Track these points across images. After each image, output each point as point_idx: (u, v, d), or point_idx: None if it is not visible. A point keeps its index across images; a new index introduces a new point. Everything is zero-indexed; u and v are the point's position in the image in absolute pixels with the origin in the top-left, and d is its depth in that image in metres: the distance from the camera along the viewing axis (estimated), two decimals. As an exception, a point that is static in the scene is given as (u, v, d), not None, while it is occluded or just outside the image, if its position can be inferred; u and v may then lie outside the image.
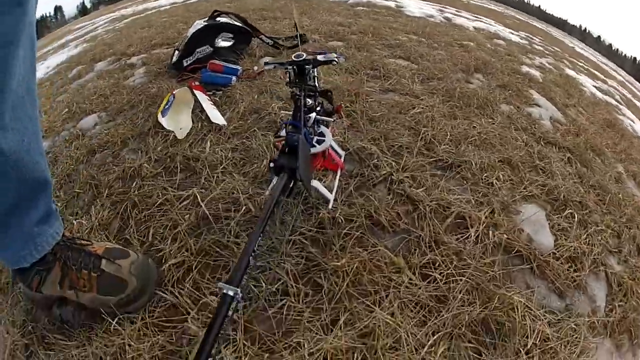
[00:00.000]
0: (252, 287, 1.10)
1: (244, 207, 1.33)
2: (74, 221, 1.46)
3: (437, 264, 1.16)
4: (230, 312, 0.77)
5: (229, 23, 2.40)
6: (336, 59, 1.17)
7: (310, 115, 1.23)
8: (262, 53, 2.45)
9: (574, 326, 1.11)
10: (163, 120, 1.85)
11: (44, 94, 3.07)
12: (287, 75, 1.20)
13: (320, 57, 1.16)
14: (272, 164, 1.03)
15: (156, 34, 3.60)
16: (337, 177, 1.35)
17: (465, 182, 1.48)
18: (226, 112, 1.89)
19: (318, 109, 1.27)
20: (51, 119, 2.38)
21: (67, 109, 2.40)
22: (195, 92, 2.01)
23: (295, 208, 1.30)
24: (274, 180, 1.11)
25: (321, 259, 1.15)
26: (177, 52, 2.43)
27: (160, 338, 1.03)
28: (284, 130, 1.18)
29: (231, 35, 2.41)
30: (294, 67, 1.16)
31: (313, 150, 1.19)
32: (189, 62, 2.31)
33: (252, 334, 1.02)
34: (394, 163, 1.50)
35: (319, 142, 1.23)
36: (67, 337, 1.09)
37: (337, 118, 1.68)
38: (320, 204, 1.31)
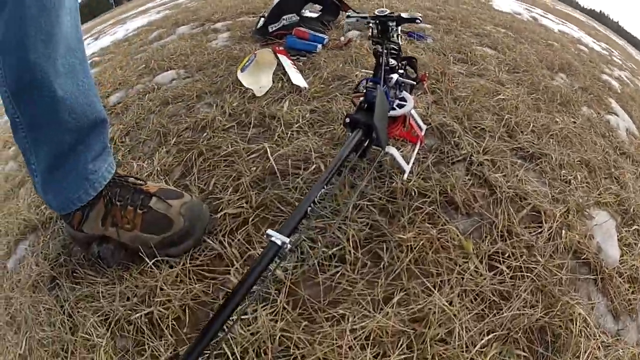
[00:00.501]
0: (308, 247, 1.04)
1: (314, 166, 1.27)
2: (134, 164, 1.47)
3: (506, 255, 1.08)
4: (274, 265, 0.73)
5: None
6: (420, 18, 1.13)
7: (392, 75, 1.19)
8: (349, 26, 2.36)
9: (620, 353, 1.00)
10: (242, 77, 1.85)
11: (122, 52, 3.16)
12: (370, 31, 1.18)
13: (404, 14, 1.13)
14: (347, 119, 0.99)
15: (242, 3, 3.64)
16: (416, 149, 1.30)
17: (543, 175, 1.41)
18: (309, 76, 1.86)
19: (401, 71, 1.23)
20: (126, 73, 2.45)
21: (144, 65, 2.46)
22: (279, 55, 1.99)
23: (367, 173, 1.23)
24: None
25: (387, 229, 1.08)
26: (262, 19, 2.44)
27: (196, 287, 0.98)
28: (362, 86, 1.16)
29: (319, 7, 2.41)
30: (377, 22, 1.15)
31: (393, 113, 1.15)
32: (274, 28, 2.30)
33: (296, 297, 0.95)
34: (475, 144, 1.43)
35: (400, 106, 1.18)
36: (98, 273, 1.07)
37: (420, 86, 1.64)
38: (394, 173, 1.24)
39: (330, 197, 1.14)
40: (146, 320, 0.95)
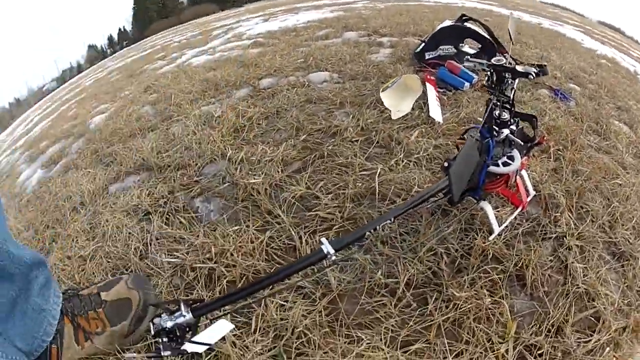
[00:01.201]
0: (369, 268, 1.14)
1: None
2: (260, 147, 1.70)
3: (541, 352, 1.03)
4: (314, 267, 0.87)
5: (478, 32, 2.38)
6: (533, 73, 1.08)
7: (503, 130, 1.17)
8: None
9: None
10: (384, 96, 1.98)
11: (286, 41, 3.45)
12: (487, 78, 1.18)
13: (519, 68, 1.10)
14: (445, 163, 1.07)
15: (412, 23, 3.77)
16: (515, 213, 1.29)
17: (622, 279, 1.29)
18: (447, 112, 1.92)
19: (513, 127, 1.20)
20: (284, 63, 2.70)
21: (303, 60, 2.69)
22: (427, 84, 2.08)
23: (454, 221, 1.29)
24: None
25: (446, 280, 1.13)
26: (422, 44, 2.52)
27: (262, 264, 1.20)
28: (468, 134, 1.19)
29: (477, 45, 2.41)
30: (492, 70, 1.14)
31: (494, 169, 1.16)
32: (430, 55, 2.40)
33: (334, 307, 1.07)
34: (573, 226, 1.39)
35: (505, 164, 1.17)
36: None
37: (542, 147, 1.64)
38: (482, 230, 1.27)
39: (412, 232, 1.22)
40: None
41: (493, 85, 1.15)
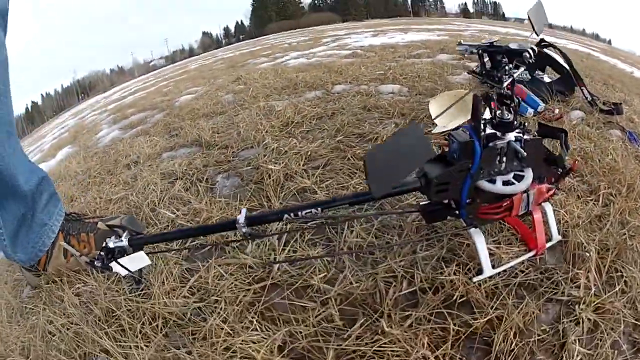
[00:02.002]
0: (317, 267, 1.11)
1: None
2: (299, 141, 1.79)
3: None
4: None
5: (556, 60, 2.26)
6: (529, 51, 0.94)
7: (508, 135, 0.94)
8: (577, 104, 2.18)
9: None
10: (433, 104, 1.98)
11: (380, 55, 3.56)
12: (477, 66, 1.05)
13: (512, 45, 0.98)
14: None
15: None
16: (523, 258, 1.05)
17: None
18: None
19: (522, 135, 0.95)
20: (363, 73, 2.76)
21: (382, 72, 2.76)
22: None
23: (437, 246, 1.13)
24: None
25: (386, 310, 0.97)
26: None
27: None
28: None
29: (555, 75, 2.31)
30: (482, 52, 1.03)
31: (487, 186, 0.93)
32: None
33: (262, 291, 1.08)
34: (594, 293, 1.04)
35: (507, 183, 0.94)
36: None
37: (567, 177, 1.25)
38: (467, 264, 1.06)
39: (384, 245, 1.14)
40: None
41: (484, 73, 1.02)
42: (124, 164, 2.09)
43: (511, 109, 0.94)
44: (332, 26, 11.39)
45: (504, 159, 0.93)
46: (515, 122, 0.94)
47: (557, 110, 2.02)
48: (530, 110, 1.99)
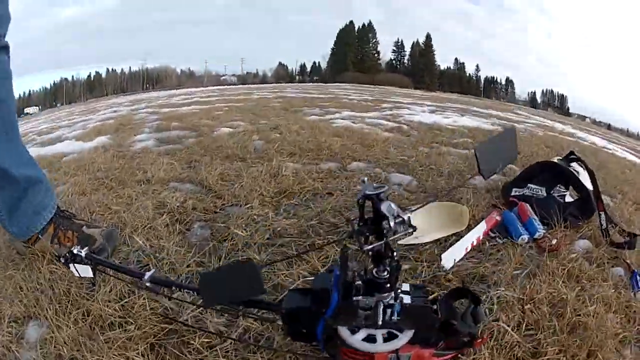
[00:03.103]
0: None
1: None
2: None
3: None
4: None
5: (578, 179, 2.08)
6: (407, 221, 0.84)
7: (378, 294, 0.86)
8: (589, 231, 1.96)
9: None
10: (417, 214, 1.79)
11: (418, 136, 3.84)
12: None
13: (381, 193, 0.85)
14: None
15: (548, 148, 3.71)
16: None
17: None
18: (471, 262, 1.64)
19: (403, 296, 0.88)
20: (385, 151, 3.05)
21: (406, 158, 2.91)
22: (484, 222, 1.87)
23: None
24: None
25: None
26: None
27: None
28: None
29: (576, 195, 2.07)
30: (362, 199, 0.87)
31: (343, 333, 0.88)
32: (516, 192, 2.15)
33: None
34: None
35: (368, 339, 0.87)
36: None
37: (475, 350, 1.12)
38: None
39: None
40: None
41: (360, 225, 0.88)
42: (136, 180, 2.37)
43: (387, 269, 0.87)
44: (403, 91, 11.69)
45: (371, 314, 0.87)
46: (389, 285, 0.87)
47: (555, 240, 1.80)
48: (525, 237, 1.81)
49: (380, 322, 0.85)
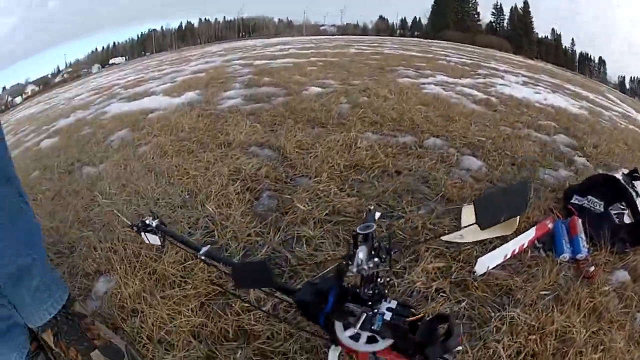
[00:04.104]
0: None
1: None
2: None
3: None
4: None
5: (636, 204, 1.94)
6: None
7: (368, 310, 0.96)
8: (633, 262, 1.77)
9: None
10: (466, 211, 1.89)
11: (507, 111, 3.66)
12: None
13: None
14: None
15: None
16: None
17: None
18: (517, 272, 1.61)
19: (386, 315, 0.96)
20: (465, 128, 2.96)
21: (484, 137, 2.80)
22: (534, 229, 1.80)
23: None
24: None
25: None
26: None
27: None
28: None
29: (631, 219, 1.93)
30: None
31: (338, 331, 0.98)
32: (576, 201, 2.06)
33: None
34: None
35: (355, 337, 0.96)
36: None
37: None
38: None
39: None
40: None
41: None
42: (218, 142, 2.55)
43: (371, 290, 0.97)
44: (501, 55, 11.06)
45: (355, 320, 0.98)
46: (370, 303, 0.96)
47: (593, 267, 1.66)
48: (567, 255, 1.70)
49: (357, 329, 0.96)
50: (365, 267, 0.91)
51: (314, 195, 1.91)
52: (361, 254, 0.92)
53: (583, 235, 1.79)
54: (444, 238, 1.70)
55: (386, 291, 0.99)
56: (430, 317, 0.96)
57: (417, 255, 1.60)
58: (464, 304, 1.42)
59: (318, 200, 1.88)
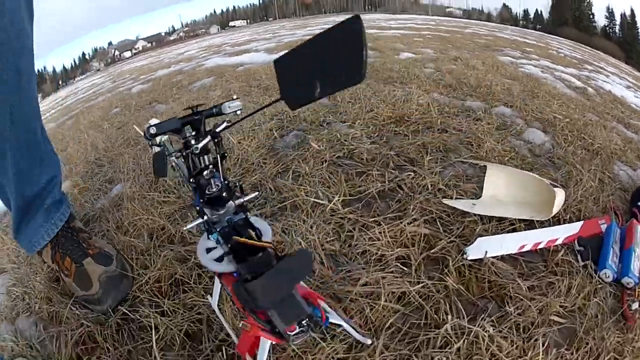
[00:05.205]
0: None
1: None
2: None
3: None
4: None
5: None
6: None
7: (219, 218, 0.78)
8: None
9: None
10: (493, 172, 1.49)
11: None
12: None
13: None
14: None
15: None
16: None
17: None
18: (526, 274, 1.15)
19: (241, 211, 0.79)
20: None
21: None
22: (572, 225, 1.31)
23: None
24: None
25: None
26: None
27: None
28: None
29: None
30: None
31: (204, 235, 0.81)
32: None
33: None
34: None
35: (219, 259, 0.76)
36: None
37: None
38: None
39: None
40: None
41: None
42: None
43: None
44: (614, 61, 9.79)
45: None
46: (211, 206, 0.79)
47: (636, 305, 1.05)
48: (609, 272, 1.12)
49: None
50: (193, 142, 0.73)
51: (335, 138, 1.78)
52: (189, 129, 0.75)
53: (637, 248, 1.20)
54: (446, 201, 1.36)
55: (242, 201, 0.78)
56: (282, 253, 0.76)
57: (404, 213, 1.32)
58: (418, 287, 1.04)
59: (336, 142, 1.75)
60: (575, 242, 1.22)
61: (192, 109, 0.75)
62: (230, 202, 0.77)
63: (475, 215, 1.31)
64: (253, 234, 0.74)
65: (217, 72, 3.66)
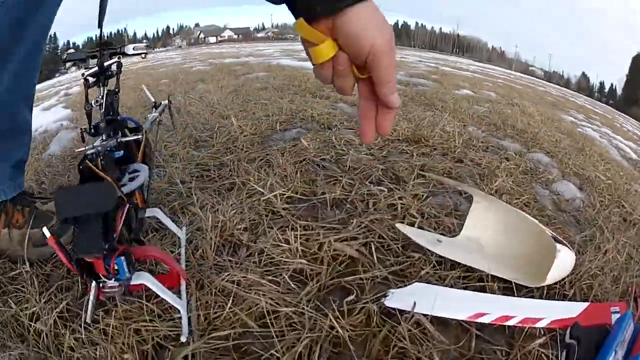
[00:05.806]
0: None
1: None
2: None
3: None
4: None
5: None
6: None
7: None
8: None
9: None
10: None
11: None
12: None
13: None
14: None
15: None
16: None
17: None
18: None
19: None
20: None
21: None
22: (573, 304, 0.91)
23: None
24: None
25: None
26: None
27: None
28: None
29: None
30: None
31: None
32: None
33: None
34: None
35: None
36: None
37: None
38: None
39: None
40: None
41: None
42: (315, 93, 2.60)
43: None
44: None
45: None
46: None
47: None
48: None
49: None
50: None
51: (329, 140, 1.67)
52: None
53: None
54: (400, 227, 1.08)
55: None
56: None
57: (343, 227, 1.12)
58: (292, 311, 0.81)
59: (328, 145, 1.64)
60: (568, 330, 0.78)
61: (99, 45, 0.78)
62: (111, 134, 0.79)
63: (434, 255, 1.01)
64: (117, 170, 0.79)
65: (274, 70, 3.69)
